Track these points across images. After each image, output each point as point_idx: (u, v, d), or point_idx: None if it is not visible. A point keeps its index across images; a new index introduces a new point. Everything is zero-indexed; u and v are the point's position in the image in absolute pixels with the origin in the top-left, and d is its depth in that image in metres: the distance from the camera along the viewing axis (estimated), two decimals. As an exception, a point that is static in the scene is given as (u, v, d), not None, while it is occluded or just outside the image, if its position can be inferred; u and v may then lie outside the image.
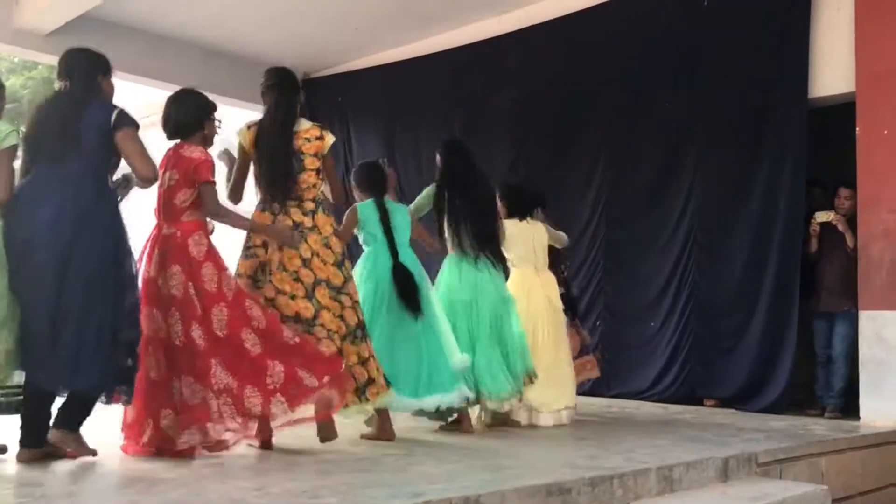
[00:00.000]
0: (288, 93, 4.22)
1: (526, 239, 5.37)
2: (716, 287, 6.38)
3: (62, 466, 3.43)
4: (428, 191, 5.05)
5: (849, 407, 5.71)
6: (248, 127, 4.09)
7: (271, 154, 4.00)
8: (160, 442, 3.63)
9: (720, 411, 6.03)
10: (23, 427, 3.50)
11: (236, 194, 4.12)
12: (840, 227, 5.93)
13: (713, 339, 6.35)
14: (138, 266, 3.66)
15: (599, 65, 7.21)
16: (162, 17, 7.97)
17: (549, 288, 5.44)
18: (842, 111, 5.84)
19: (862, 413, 5.50)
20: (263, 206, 4.04)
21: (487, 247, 4.96)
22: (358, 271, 4.61)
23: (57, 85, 3.63)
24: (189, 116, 3.91)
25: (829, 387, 5.94)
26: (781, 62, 6.16)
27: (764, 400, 5.95)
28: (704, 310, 6.43)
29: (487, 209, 5.08)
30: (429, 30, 8.24)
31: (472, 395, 4.68)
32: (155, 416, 3.64)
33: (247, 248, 4.01)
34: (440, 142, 5.28)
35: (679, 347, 6.51)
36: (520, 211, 5.45)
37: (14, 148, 3.51)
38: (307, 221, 4.02)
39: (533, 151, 7.64)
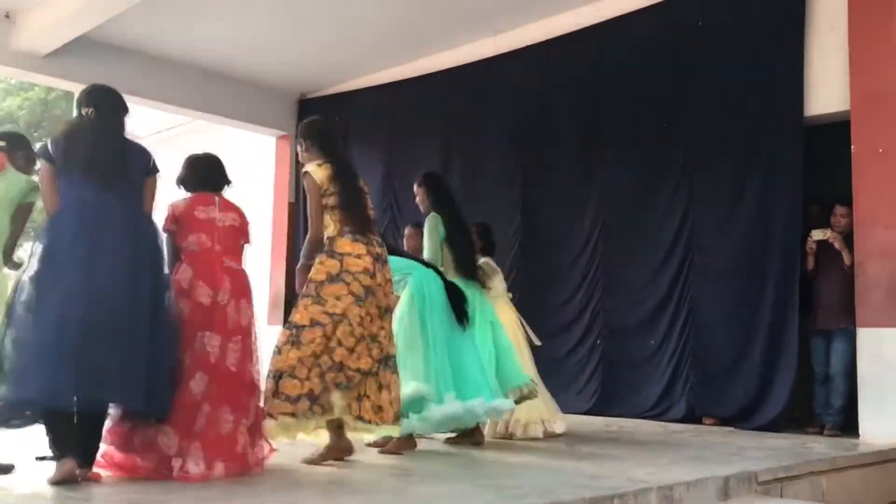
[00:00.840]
0: (337, 139, 4.56)
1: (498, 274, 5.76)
2: (714, 306, 6.39)
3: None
4: (431, 224, 5.10)
5: (848, 424, 5.70)
6: (319, 165, 4.24)
7: (354, 189, 4.26)
8: (159, 464, 3.59)
9: (719, 430, 6.01)
10: (79, 447, 3.41)
11: (321, 230, 4.24)
12: (836, 245, 5.94)
13: (712, 357, 6.35)
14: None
15: (594, 85, 7.25)
16: (159, 40, 8.01)
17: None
18: (838, 129, 5.87)
19: (861, 431, 5.49)
20: (353, 235, 4.17)
21: (475, 272, 5.30)
22: (408, 294, 4.85)
23: (84, 111, 3.66)
24: (224, 176, 4.13)
25: (827, 404, 5.93)
26: (776, 81, 6.20)
27: (763, 418, 5.93)
28: (703, 328, 6.43)
29: (471, 238, 5.41)
30: (425, 50, 8.30)
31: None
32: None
33: (343, 273, 4.08)
34: (422, 175, 5.36)
35: (678, 366, 6.50)
36: (492, 250, 5.86)
37: (33, 205, 3.70)
38: (384, 253, 4.30)
39: (529, 171, 7.66)
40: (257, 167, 9.66)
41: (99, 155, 3.52)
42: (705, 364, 6.38)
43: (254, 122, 9.35)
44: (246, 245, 4.06)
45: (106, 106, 3.70)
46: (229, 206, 4.01)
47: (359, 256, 4.12)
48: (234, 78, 8.94)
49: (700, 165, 6.57)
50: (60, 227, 3.45)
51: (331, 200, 4.18)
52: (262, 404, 3.87)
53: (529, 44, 7.65)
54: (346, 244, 4.13)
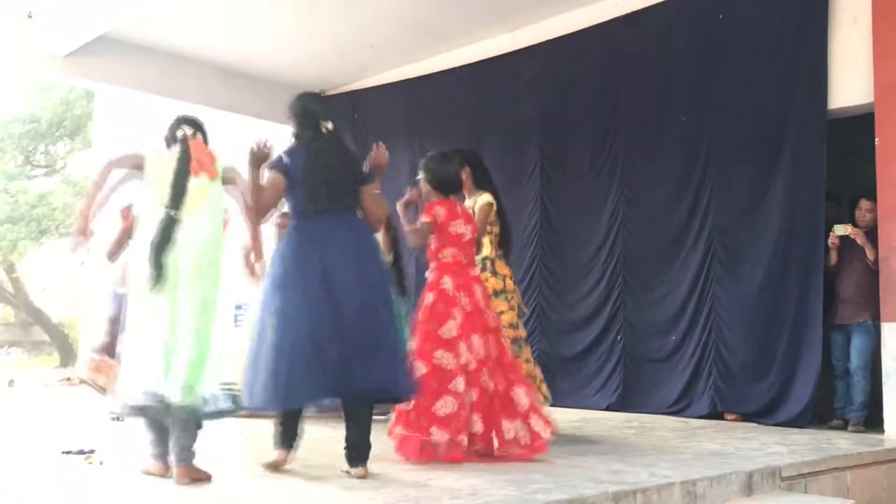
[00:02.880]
0: None
1: None
2: (736, 301, 6.33)
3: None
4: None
5: (872, 420, 5.65)
6: (495, 198, 4.99)
7: (508, 222, 5.15)
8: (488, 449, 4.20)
9: (742, 425, 5.97)
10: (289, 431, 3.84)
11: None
12: (859, 241, 5.86)
13: (734, 352, 6.30)
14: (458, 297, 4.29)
15: (615, 80, 7.21)
16: (178, 38, 8.05)
17: None
18: (863, 122, 5.81)
19: (886, 426, 5.43)
20: (506, 259, 5.12)
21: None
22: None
23: (329, 126, 3.95)
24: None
25: (849, 400, 5.88)
26: (798, 74, 6.13)
27: (787, 414, 5.88)
28: (725, 324, 6.38)
29: None
30: (444, 46, 8.29)
31: None
32: (497, 426, 4.21)
33: (505, 291, 4.99)
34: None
35: (700, 362, 6.46)
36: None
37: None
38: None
39: (549, 167, 7.64)
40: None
41: (335, 179, 3.83)
42: (728, 360, 6.33)
43: (273, 120, 9.36)
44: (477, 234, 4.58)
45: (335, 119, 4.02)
46: (467, 217, 4.50)
47: (510, 278, 5.07)
48: (252, 76, 8.96)
49: (721, 160, 6.51)
50: (298, 240, 3.78)
51: (496, 229, 5.02)
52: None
53: (548, 39, 7.62)
54: (503, 266, 5.04)
